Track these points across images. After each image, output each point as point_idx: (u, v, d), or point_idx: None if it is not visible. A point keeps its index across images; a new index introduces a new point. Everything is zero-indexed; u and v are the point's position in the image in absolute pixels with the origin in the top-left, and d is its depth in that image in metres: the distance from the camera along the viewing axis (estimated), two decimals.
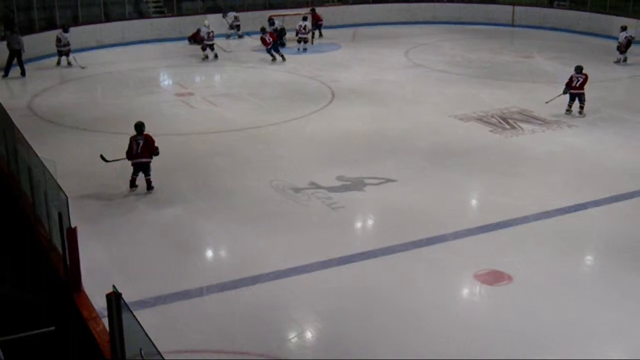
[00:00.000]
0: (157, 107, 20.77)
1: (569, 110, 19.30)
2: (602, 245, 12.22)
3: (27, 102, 21.25)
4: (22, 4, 28.21)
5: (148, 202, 13.62)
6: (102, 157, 14.51)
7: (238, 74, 25.36)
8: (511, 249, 11.88)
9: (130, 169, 14.10)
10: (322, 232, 12.55)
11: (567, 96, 19.27)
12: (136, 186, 14.09)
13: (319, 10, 32.34)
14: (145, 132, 14.00)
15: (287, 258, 11.48)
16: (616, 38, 27.02)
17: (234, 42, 30.88)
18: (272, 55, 26.75)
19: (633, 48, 26.31)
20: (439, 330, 9.60)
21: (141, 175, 14.07)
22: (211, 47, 27.29)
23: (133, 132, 14.01)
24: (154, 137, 14.08)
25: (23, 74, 24.28)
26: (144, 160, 13.93)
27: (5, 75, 24.22)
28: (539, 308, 10.08)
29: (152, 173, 14.04)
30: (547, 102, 19.61)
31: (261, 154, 16.55)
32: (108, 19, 30.79)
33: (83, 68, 25.47)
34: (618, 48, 26.53)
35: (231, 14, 31.72)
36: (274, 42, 26.77)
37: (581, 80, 19.13)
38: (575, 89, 19.17)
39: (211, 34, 27.27)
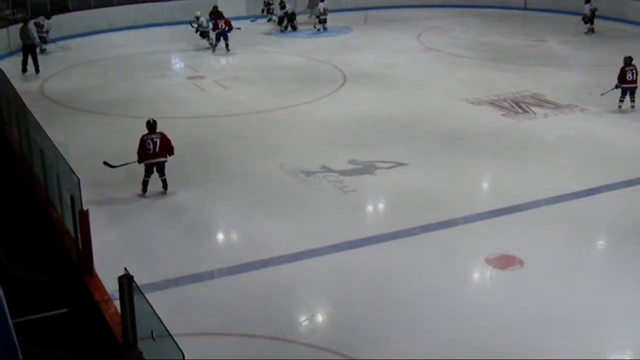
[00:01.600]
0: (169, 90, 20.78)
1: (620, 106, 18.22)
2: (614, 230, 12.18)
3: (40, 85, 21.31)
4: None
5: (160, 186, 13.62)
6: (106, 163, 13.67)
7: (249, 58, 25.31)
8: (522, 233, 11.85)
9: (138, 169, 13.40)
10: (333, 215, 12.54)
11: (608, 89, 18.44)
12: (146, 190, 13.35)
13: None
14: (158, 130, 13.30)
15: (297, 241, 11.51)
16: (630, 22, 26.95)
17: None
18: (216, 41, 25.92)
19: None
20: (450, 314, 9.60)
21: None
22: (208, 34, 26.48)
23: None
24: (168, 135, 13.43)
25: (37, 70, 22.68)
26: (162, 159, 13.22)
27: (24, 70, 22.62)
28: (550, 292, 10.07)
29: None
30: (602, 95, 18.53)
31: (272, 138, 16.54)
32: (120, 1, 30.77)
33: (61, 48, 25.47)
34: (583, 19, 28.28)
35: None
36: (223, 30, 25.81)
37: (635, 72, 17.97)
38: (628, 83, 18.03)
39: (207, 21, 26.61)
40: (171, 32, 29.58)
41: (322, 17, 29.50)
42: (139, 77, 22.19)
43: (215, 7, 27.53)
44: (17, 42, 24.72)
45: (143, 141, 13.12)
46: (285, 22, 29.78)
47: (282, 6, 29.82)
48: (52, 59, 24.17)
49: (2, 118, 14.20)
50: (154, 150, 13.09)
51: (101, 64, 24.09)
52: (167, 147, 13.24)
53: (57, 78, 22.26)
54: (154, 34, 29.08)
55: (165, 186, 13.40)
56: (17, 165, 12.29)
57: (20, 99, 12.36)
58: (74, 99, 19.70)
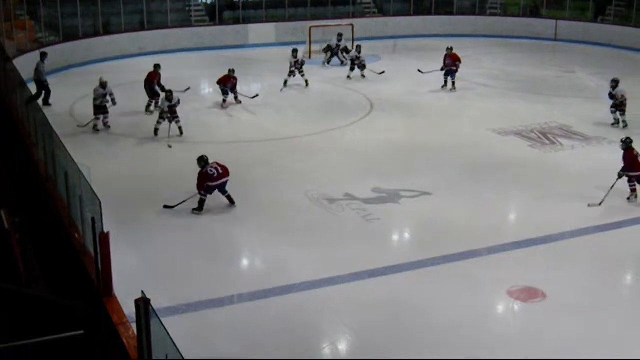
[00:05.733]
0: (197, 115, 20.87)
1: None
2: (638, 264, 12.02)
3: (69, 107, 21.54)
4: (67, 12, 28.62)
5: (183, 210, 13.65)
6: (166, 206, 13.77)
7: (278, 84, 25.36)
8: (546, 266, 11.73)
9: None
10: (356, 244, 12.50)
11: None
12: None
13: (359, 24, 32.04)
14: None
15: (319, 269, 11.48)
16: None
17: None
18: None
19: None
20: (470, 345, 9.51)
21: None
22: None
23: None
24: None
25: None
26: (227, 178, 13.72)
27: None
28: (573, 326, 9.96)
29: (187, 182, 13.91)
30: None
31: (298, 164, 16.58)
32: (150, 26, 31.17)
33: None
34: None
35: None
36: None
37: None
38: None
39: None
40: (200, 57, 29.85)
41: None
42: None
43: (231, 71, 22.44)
44: (50, 65, 24.99)
45: (204, 173, 13.54)
46: (330, 54, 28.94)
47: (339, 39, 29.01)
48: (82, 83, 24.27)
49: (31, 140, 14.36)
50: (219, 173, 13.55)
51: (130, 88, 24.19)
52: (226, 168, 13.70)
53: (87, 101, 22.36)
54: (183, 59, 29.30)
55: (231, 201, 13.86)
56: (43, 186, 12.40)
57: (47, 121, 12.49)
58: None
